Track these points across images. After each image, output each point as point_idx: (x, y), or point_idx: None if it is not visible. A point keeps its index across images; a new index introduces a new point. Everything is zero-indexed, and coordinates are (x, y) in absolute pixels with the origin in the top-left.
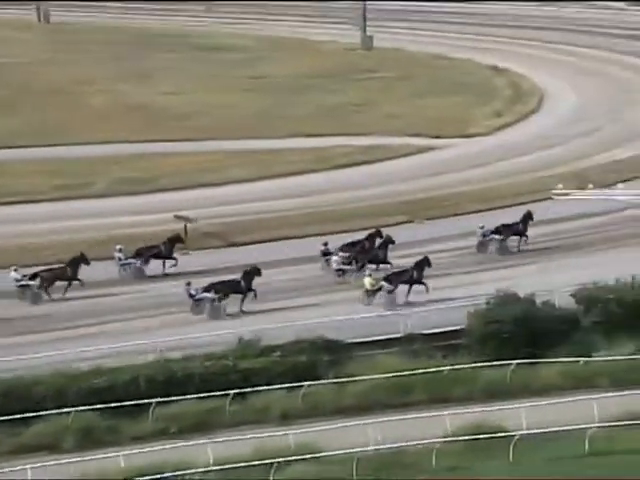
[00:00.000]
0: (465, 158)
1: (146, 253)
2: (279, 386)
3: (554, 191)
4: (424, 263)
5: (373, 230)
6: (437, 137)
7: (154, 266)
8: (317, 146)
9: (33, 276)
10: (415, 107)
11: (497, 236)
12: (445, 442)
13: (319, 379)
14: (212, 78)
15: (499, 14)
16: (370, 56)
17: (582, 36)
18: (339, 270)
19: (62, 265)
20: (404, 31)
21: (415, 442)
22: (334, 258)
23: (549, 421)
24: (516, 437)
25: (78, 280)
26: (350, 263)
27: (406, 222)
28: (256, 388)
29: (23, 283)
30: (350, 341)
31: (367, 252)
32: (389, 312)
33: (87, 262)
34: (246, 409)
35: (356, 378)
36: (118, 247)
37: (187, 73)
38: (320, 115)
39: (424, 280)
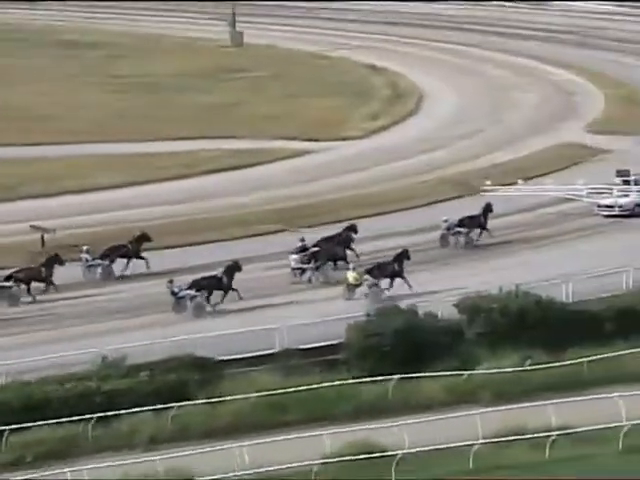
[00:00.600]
0: (342, 162)
1: (114, 253)
2: (147, 408)
3: (483, 187)
4: (403, 256)
5: (349, 224)
6: (313, 140)
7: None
8: (187, 149)
9: (8, 277)
10: (289, 108)
11: (462, 229)
12: (324, 463)
13: (190, 399)
14: (76, 77)
15: (375, 11)
16: (241, 54)
17: (455, 33)
18: (297, 269)
19: (37, 266)
20: (276, 27)
21: (293, 464)
22: (292, 257)
23: (432, 438)
24: (398, 456)
25: (51, 283)
26: (309, 262)
27: (281, 231)
28: (122, 411)
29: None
30: (223, 358)
31: (327, 250)
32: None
33: (62, 263)
34: (111, 434)
35: (229, 397)
36: (85, 248)
37: (50, 71)
38: (190, 117)
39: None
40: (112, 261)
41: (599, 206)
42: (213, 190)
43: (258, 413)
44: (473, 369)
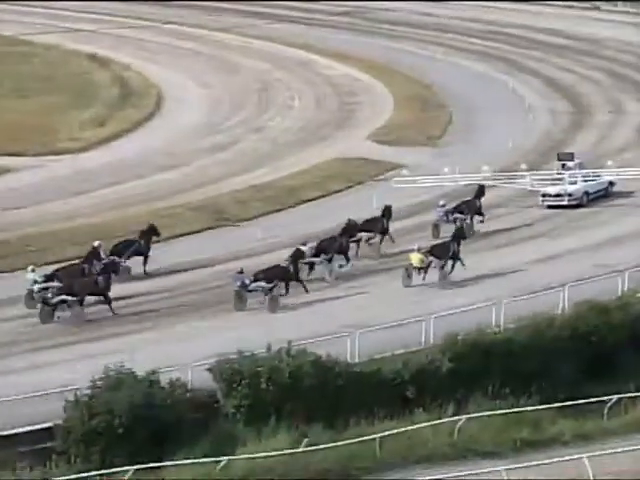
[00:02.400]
0: (55, 184)
1: (127, 250)
2: None
3: (396, 178)
4: (460, 235)
5: (385, 205)
6: (12, 155)
7: None
8: None
9: (50, 277)
10: None
11: (461, 215)
12: None
13: None
14: None
15: None
16: None
17: (202, 14)
18: (307, 263)
19: (80, 261)
20: None
21: None
22: (304, 248)
23: None
24: None
25: None
26: (318, 255)
27: None
28: None
29: (43, 286)
30: None
31: (332, 241)
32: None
33: (100, 258)
34: None
35: None
36: (97, 243)
37: None
38: None
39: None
40: (127, 259)
41: (544, 195)
42: None
43: None
44: (234, 454)
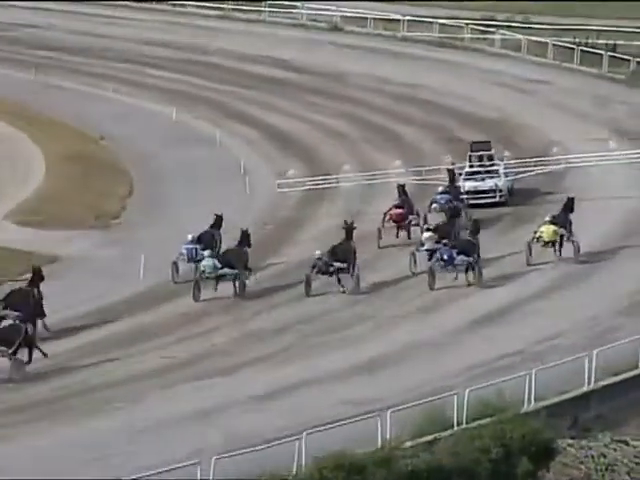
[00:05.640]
0: None
1: (219, 239)
2: None
3: (279, 181)
4: (570, 206)
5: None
6: None
7: None
8: None
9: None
10: None
11: (458, 202)
12: None
13: None
14: None
15: None
16: None
17: None
18: (428, 251)
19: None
20: None
21: None
22: (426, 235)
23: None
24: None
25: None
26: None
27: None
28: None
29: (220, 273)
30: None
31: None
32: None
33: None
34: None
35: None
36: (189, 237)
37: None
38: None
39: None
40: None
41: (468, 192)
42: None
43: None
44: None
